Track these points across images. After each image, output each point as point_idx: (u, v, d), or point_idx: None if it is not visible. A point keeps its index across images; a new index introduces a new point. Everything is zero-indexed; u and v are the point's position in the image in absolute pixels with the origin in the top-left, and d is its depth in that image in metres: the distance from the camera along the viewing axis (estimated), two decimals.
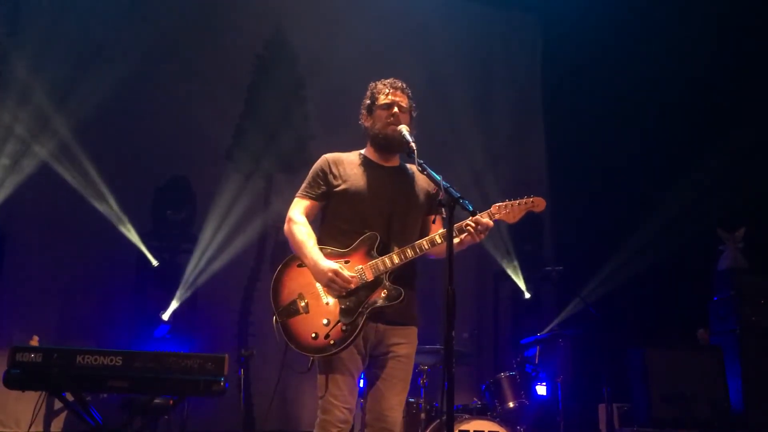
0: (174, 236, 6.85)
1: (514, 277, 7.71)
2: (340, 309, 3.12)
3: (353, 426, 3.99)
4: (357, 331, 3.09)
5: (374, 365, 3.25)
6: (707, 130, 7.21)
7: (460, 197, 2.90)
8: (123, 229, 6.61)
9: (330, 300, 3.14)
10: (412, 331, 3.33)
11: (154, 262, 6.69)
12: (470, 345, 6.54)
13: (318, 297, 3.16)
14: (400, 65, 7.24)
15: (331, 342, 3.08)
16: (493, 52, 8.56)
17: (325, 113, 7.34)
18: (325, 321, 3.11)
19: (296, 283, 3.20)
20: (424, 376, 5.39)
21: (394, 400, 3.24)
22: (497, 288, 8.02)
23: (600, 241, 7.50)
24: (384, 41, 7.71)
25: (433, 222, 3.44)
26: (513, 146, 8.27)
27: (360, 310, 3.12)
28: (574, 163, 7.93)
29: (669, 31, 7.31)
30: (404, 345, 3.27)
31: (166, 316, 6.47)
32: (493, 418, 5.15)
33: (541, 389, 5.94)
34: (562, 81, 8.23)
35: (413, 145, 3.20)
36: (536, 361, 5.99)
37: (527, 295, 7.70)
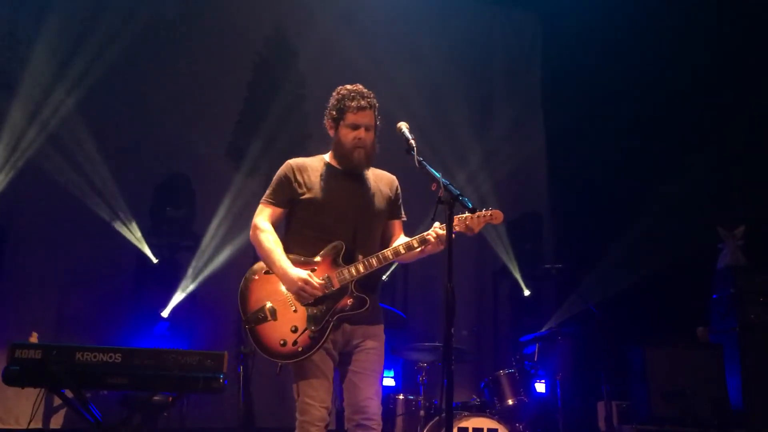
0: (174, 233, 6.84)
1: (513, 274, 7.71)
2: (308, 316, 3.19)
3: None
4: (324, 337, 3.18)
5: (345, 361, 3.31)
6: (707, 127, 7.20)
7: (459, 194, 2.91)
8: (123, 226, 6.61)
9: (297, 308, 3.21)
10: (379, 329, 3.40)
11: (154, 260, 6.70)
12: (469, 342, 6.55)
13: (285, 304, 3.22)
14: (399, 63, 7.27)
15: (300, 349, 3.15)
16: (493, 50, 8.55)
17: (324, 112, 7.32)
18: (293, 328, 3.18)
19: (264, 290, 3.25)
20: (423, 374, 5.39)
21: (370, 390, 3.29)
22: (497, 285, 8.01)
23: (599, 238, 7.50)
24: (383, 39, 7.71)
25: (388, 224, 3.52)
26: (512, 144, 8.26)
27: (327, 317, 3.20)
28: (573, 160, 7.93)
29: (667, 27, 7.29)
30: (372, 338, 3.34)
31: (165, 313, 6.47)
32: (492, 416, 5.14)
33: (540, 387, 5.95)
34: (562, 78, 8.22)
35: (413, 142, 3.20)
36: (535, 359, 5.98)
37: (527, 293, 7.70)
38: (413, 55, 7.62)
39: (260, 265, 3.32)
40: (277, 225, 3.39)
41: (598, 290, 7.12)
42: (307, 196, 3.34)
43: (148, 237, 6.72)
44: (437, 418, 5.08)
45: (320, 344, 3.16)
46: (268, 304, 3.22)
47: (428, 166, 3.13)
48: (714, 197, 6.90)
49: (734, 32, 7.11)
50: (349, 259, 3.27)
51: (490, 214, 3.35)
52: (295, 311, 3.20)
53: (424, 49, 7.82)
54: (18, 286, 6.33)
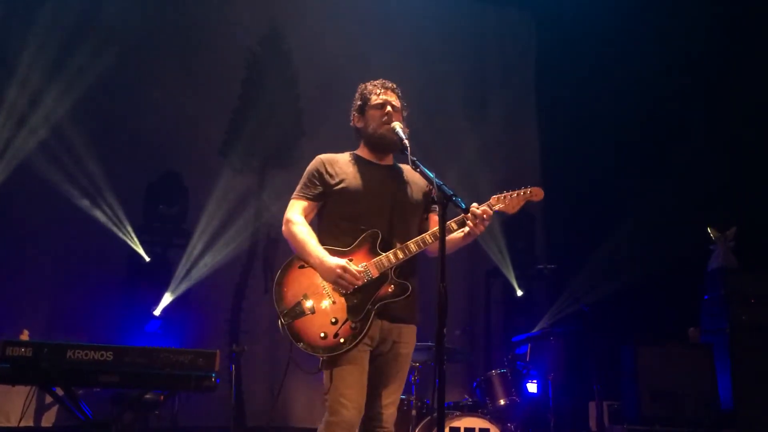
0: (166, 231, 6.83)
1: (506, 274, 7.73)
2: (348, 307, 3.10)
3: None
4: (366, 327, 3.09)
5: (373, 362, 3.21)
6: (700, 129, 7.22)
7: (452, 194, 2.90)
8: (115, 224, 6.59)
9: (336, 299, 3.12)
10: (413, 330, 3.33)
11: (146, 257, 6.68)
12: (462, 342, 6.55)
13: (323, 296, 3.12)
14: (393, 63, 7.26)
15: (341, 340, 3.06)
16: (487, 50, 8.57)
17: (318, 110, 7.33)
18: (333, 320, 3.08)
19: (299, 284, 3.15)
20: (416, 373, 5.39)
21: (390, 398, 3.23)
22: (489, 286, 8.03)
23: (592, 239, 7.52)
24: (378, 39, 7.72)
25: (426, 219, 3.45)
26: (506, 145, 8.28)
27: (368, 307, 3.11)
28: (567, 161, 7.95)
29: (662, 29, 7.32)
30: (405, 344, 3.26)
31: (157, 311, 6.46)
32: (483, 416, 5.15)
33: (532, 387, 5.96)
34: (556, 79, 8.24)
35: (406, 142, 3.19)
36: (527, 359, 6.00)
37: (519, 293, 7.72)
38: (408, 54, 7.62)
39: (294, 260, 3.21)
40: (309, 220, 3.31)
41: (590, 291, 7.15)
42: (340, 186, 3.27)
43: (140, 234, 6.71)
44: (429, 417, 5.08)
45: (363, 334, 3.06)
46: (305, 298, 3.11)
47: (422, 166, 3.12)
48: (706, 199, 6.93)
49: (729, 36, 7.14)
50: (386, 248, 3.18)
51: (530, 192, 3.40)
52: (333, 303, 3.10)
53: (418, 48, 7.83)
54: (9, 283, 6.31)
